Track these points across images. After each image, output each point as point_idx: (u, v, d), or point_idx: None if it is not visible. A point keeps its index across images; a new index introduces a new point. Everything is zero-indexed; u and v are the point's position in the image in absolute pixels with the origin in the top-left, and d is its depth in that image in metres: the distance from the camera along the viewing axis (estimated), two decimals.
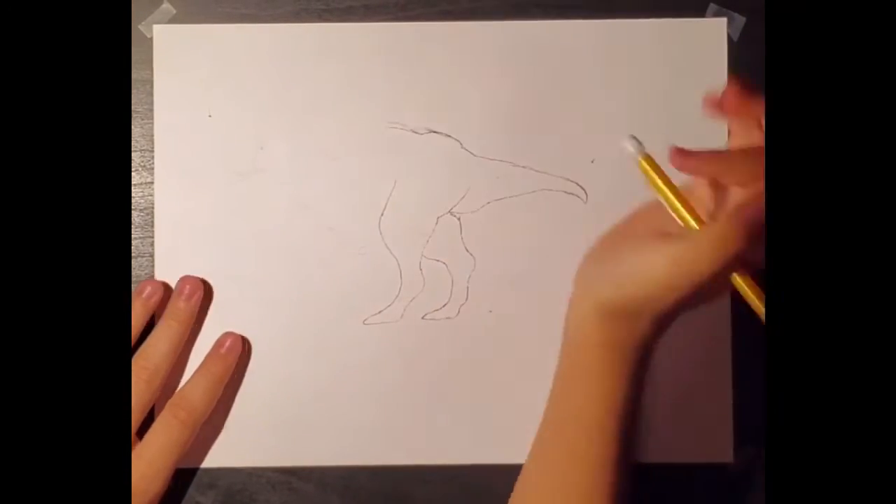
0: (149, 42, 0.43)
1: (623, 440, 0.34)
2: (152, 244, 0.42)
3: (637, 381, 0.35)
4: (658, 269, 0.32)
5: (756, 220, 0.31)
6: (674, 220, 0.34)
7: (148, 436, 0.40)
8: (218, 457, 0.42)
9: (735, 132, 0.34)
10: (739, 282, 0.33)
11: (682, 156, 0.32)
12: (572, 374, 0.35)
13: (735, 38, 0.43)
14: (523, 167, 0.43)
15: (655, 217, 0.34)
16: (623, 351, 0.34)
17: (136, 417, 0.40)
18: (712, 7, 0.43)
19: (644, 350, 0.34)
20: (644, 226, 0.35)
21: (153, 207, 0.42)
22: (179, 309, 0.41)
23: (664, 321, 0.34)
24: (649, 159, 0.34)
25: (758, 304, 0.32)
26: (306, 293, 0.42)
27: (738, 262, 0.32)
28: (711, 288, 0.32)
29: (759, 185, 0.31)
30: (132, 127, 0.43)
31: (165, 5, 0.43)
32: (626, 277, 0.33)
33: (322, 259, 0.42)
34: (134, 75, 0.43)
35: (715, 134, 0.43)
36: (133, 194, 0.43)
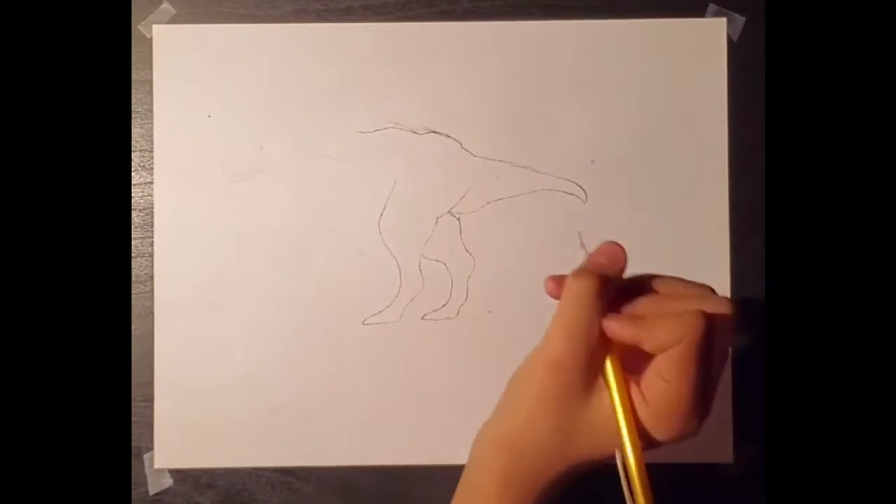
0: (149, 42, 0.43)
1: None
2: (152, 244, 0.42)
3: None
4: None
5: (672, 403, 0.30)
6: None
7: None
8: (218, 457, 0.42)
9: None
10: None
11: (554, 282, 0.32)
12: (468, 497, 0.34)
13: (735, 38, 0.43)
14: (523, 167, 0.43)
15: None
16: (520, 487, 0.33)
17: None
18: (712, 7, 0.43)
19: (541, 489, 0.32)
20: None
21: (153, 207, 0.42)
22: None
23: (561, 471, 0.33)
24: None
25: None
26: (306, 293, 0.42)
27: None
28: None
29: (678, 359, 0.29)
30: (132, 127, 0.43)
31: (165, 5, 0.43)
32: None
33: (322, 259, 0.42)
34: (134, 75, 0.43)
35: (715, 134, 0.43)
36: (133, 194, 0.43)
